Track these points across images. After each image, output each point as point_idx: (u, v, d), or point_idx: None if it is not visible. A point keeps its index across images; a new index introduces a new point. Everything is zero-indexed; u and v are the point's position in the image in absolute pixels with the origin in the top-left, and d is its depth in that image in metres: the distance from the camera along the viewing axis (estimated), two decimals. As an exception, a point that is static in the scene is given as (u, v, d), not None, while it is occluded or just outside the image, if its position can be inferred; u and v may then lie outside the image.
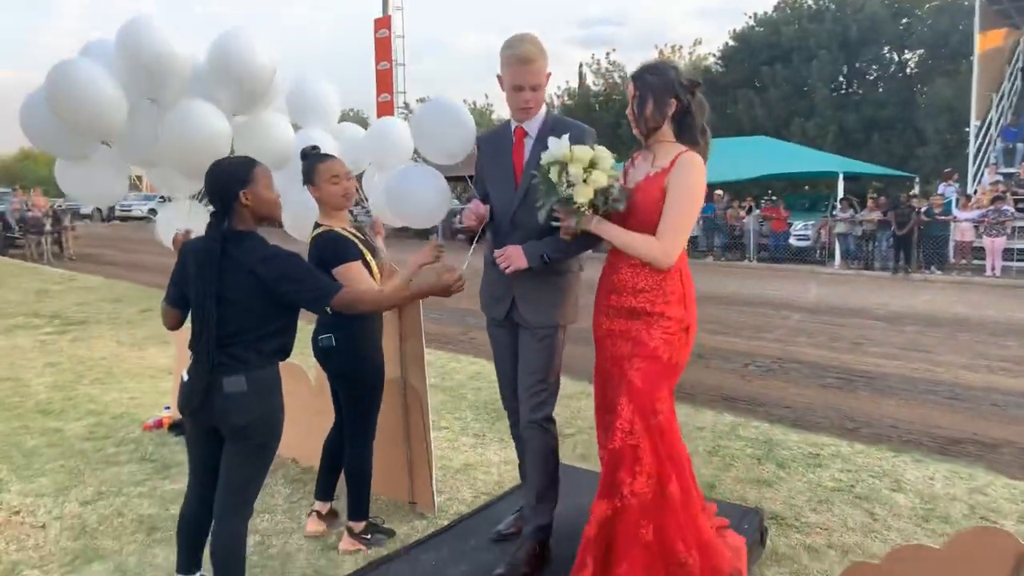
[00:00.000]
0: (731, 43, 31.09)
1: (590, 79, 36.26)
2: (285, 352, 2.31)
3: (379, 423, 3.09)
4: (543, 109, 2.59)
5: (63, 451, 4.05)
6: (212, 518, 2.29)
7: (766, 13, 29.83)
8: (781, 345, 7.51)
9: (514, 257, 2.47)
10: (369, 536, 2.98)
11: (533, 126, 2.58)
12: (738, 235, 17.57)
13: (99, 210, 33.50)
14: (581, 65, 37.21)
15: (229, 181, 2.23)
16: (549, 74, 2.53)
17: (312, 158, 2.81)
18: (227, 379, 2.17)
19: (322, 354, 2.87)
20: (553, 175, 2.26)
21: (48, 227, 18.10)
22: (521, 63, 2.46)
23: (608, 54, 35.89)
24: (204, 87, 3.16)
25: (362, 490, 2.96)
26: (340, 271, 2.61)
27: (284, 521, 3.20)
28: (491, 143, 2.68)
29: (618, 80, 35.36)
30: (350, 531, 2.97)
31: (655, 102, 2.32)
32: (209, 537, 2.29)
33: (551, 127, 2.51)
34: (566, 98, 35.90)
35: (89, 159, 3.29)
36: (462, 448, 4.17)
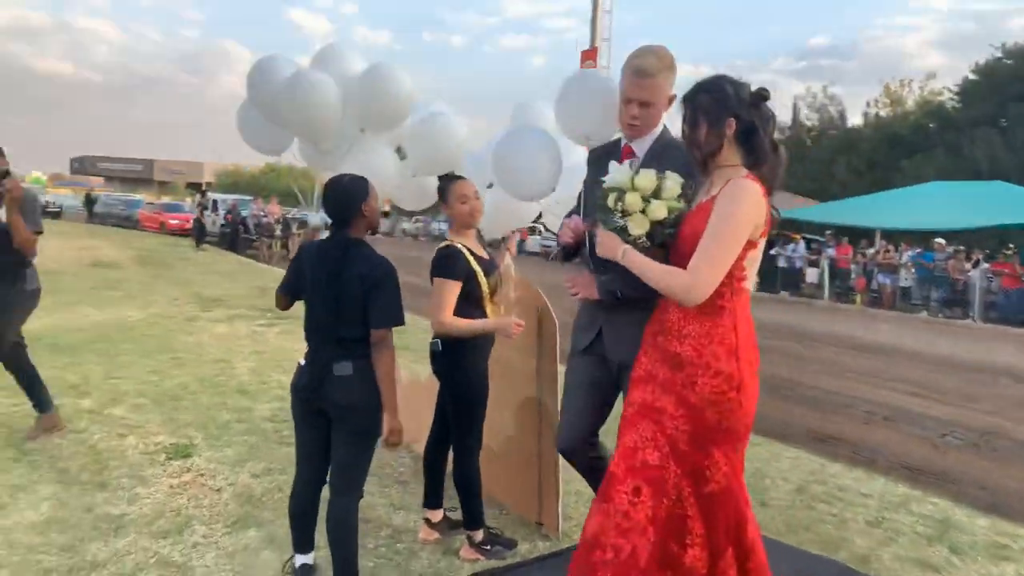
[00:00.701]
0: (972, 76, 28.05)
1: (803, 113, 34.43)
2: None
3: (514, 440, 3.17)
4: (658, 129, 2.44)
5: (249, 428, 4.56)
6: (317, 499, 2.61)
7: (1016, 44, 26.59)
8: (993, 418, 6.59)
9: (584, 286, 2.38)
10: (489, 547, 3.05)
11: (642, 146, 2.41)
12: (961, 290, 15.68)
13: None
14: (796, 99, 35.32)
15: (348, 195, 2.53)
16: (672, 97, 2.37)
17: (446, 179, 3.02)
18: (336, 364, 2.47)
19: (431, 357, 3.04)
20: (610, 202, 2.15)
21: (278, 232, 20.51)
22: (635, 75, 2.34)
23: (826, 87, 33.62)
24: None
25: (471, 500, 3.04)
26: (435, 283, 2.85)
27: (419, 520, 3.35)
28: (598, 159, 2.52)
29: (835, 115, 33.22)
30: (470, 540, 3.06)
31: (709, 123, 2.07)
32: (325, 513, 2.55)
33: (659, 151, 2.34)
34: (775, 133, 34.29)
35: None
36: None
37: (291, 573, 2.76)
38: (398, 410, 2.54)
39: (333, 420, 2.54)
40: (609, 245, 2.17)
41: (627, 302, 2.33)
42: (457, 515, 3.18)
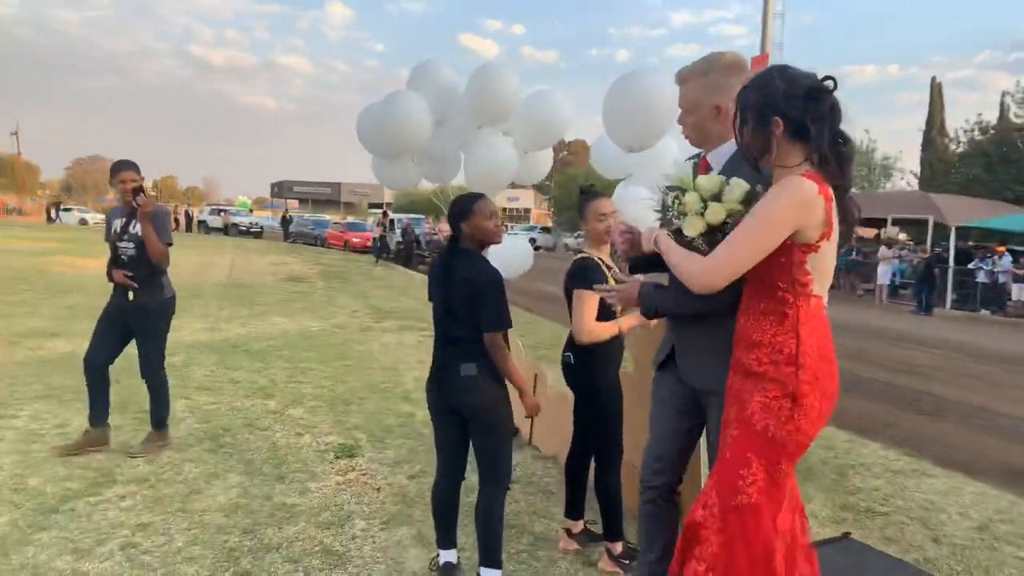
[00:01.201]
0: None
1: (1012, 111, 30.72)
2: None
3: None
4: (733, 142, 2.22)
5: (409, 432, 4.87)
6: (457, 495, 2.86)
7: None
8: None
9: (625, 293, 2.28)
10: (628, 561, 3.05)
11: (718, 158, 2.26)
12: None
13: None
14: (1004, 95, 31.64)
15: (457, 213, 2.78)
16: (718, 107, 2.20)
17: (585, 196, 3.10)
18: (463, 365, 2.67)
19: (563, 369, 3.14)
20: (669, 201, 2.10)
21: (447, 248, 21.54)
22: (678, 82, 2.30)
23: (1039, 81, 29.75)
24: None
25: (611, 511, 3.07)
26: (577, 293, 2.96)
27: (560, 529, 3.42)
28: (681, 167, 2.37)
29: (1051, 112, 29.35)
30: (609, 553, 3.08)
31: (754, 123, 1.92)
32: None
33: (736, 165, 2.15)
34: (976, 133, 30.90)
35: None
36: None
37: (435, 570, 2.93)
38: (531, 394, 2.83)
39: (467, 419, 2.75)
40: (648, 235, 2.14)
41: (695, 318, 2.19)
42: (598, 527, 3.21)
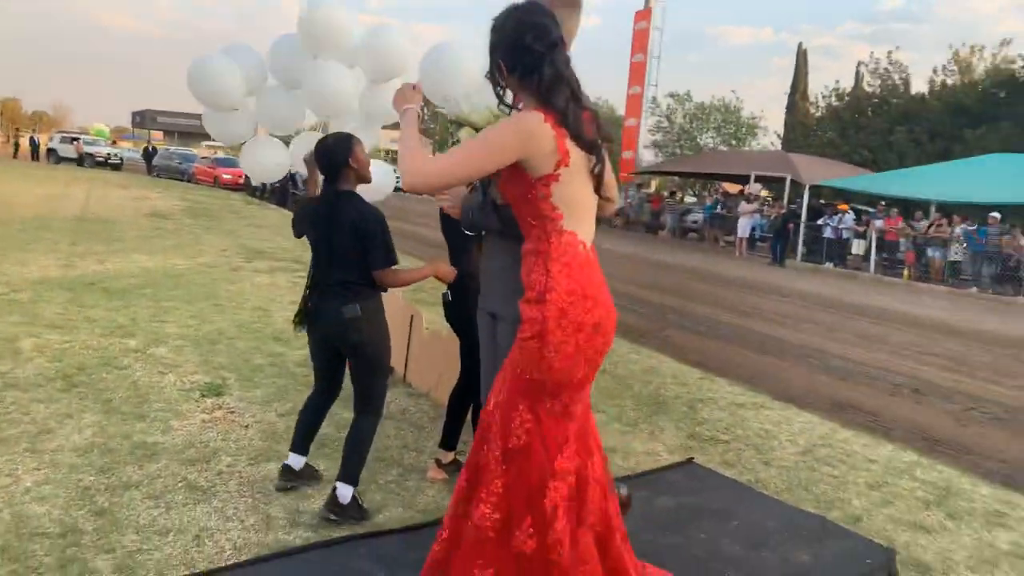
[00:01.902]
0: (1048, 44, 26.51)
1: (866, 80, 33.16)
2: (383, 288, 2.90)
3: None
4: None
5: (279, 372, 4.81)
6: (323, 412, 3.13)
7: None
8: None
9: (455, 200, 2.54)
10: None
11: None
12: (1013, 266, 15.18)
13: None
14: (859, 64, 34.01)
15: (339, 153, 2.82)
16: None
17: None
18: (345, 307, 2.78)
19: (444, 308, 3.33)
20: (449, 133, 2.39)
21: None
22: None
23: (890, 53, 32.23)
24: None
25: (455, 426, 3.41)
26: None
27: (429, 461, 3.54)
28: (471, 103, 2.50)
29: (898, 82, 31.91)
30: (438, 461, 3.41)
31: (489, 66, 2.01)
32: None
33: None
34: (833, 99, 33.17)
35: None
36: (611, 433, 4.25)
37: (281, 471, 3.16)
38: (439, 266, 3.01)
39: (347, 354, 2.91)
40: (399, 96, 2.18)
41: (496, 251, 2.36)
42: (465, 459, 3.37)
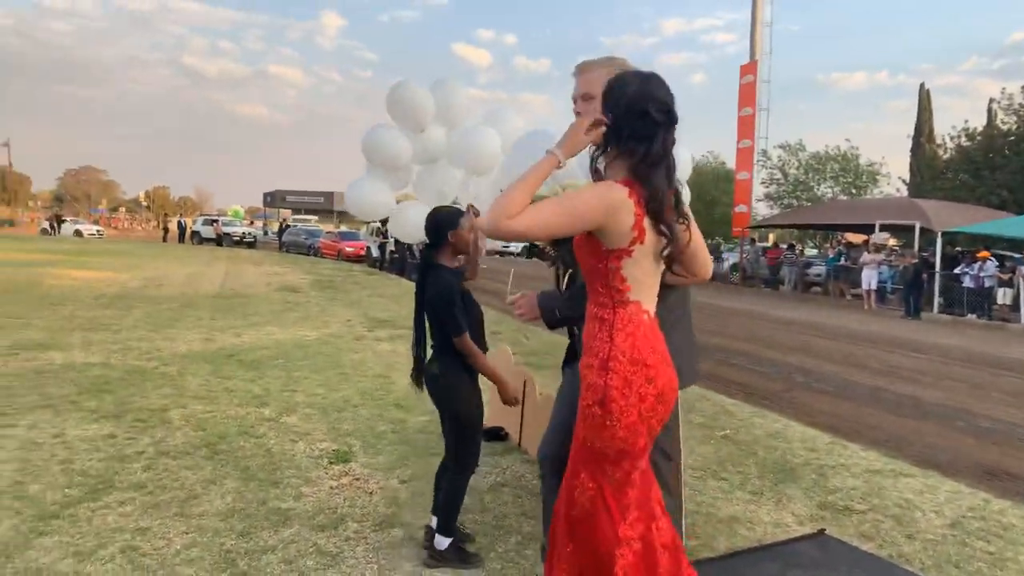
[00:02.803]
0: None
1: (999, 118, 31.07)
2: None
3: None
4: None
5: (401, 438, 4.97)
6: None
7: None
8: None
9: (527, 308, 2.46)
10: None
11: None
12: None
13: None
14: (991, 101, 32.00)
15: (443, 226, 3.05)
16: None
17: None
18: (430, 365, 3.06)
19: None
20: None
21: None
22: (579, 72, 2.50)
23: (1025, 88, 30.07)
24: None
25: None
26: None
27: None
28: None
29: (1035, 118, 29.67)
30: None
31: (602, 112, 2.01)
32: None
33: None
34: (962, 139, 31.22)
35: None
36: (734, 501, 4.08)
37: (425, 533, 3.33)
38: (508, 385, 3.16)
39: (440, 414, 3.16)
40: (570, 138, 2.07)
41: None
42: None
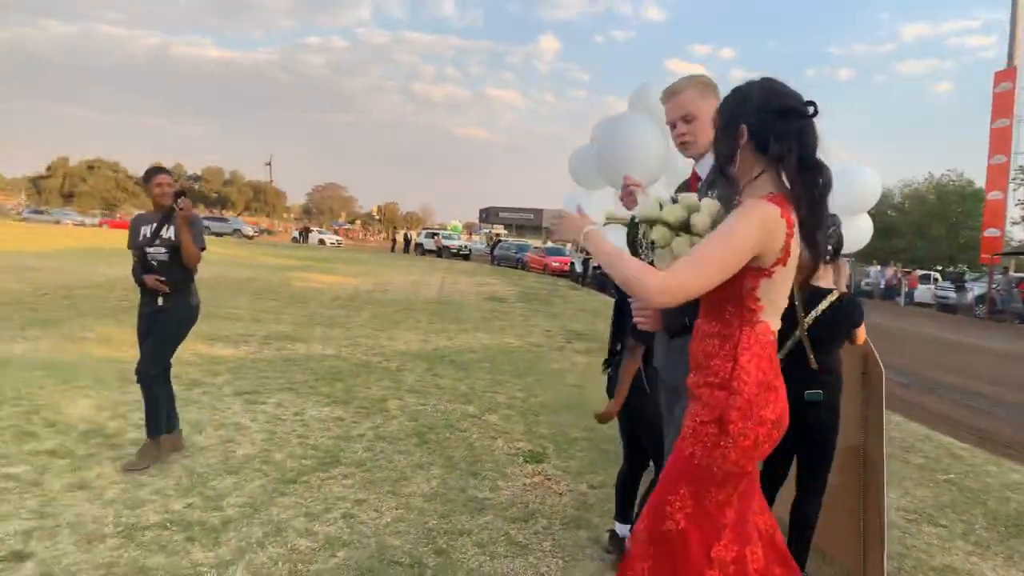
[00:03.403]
0: None
1: None
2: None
3: (836, 488, 3.14)
4: None
5: (592, 446, 5.10)
6: (638, 478, 3.34)
7: None
8: None
9: (652, 313, 2.27)
10: None
11: (704, 167, 2.30)
12: None
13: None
14: None
15: None
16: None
17: None
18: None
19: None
20: (640, 235, 2.06)
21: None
22: (667, 97, 2.39)
23: None
24: None
25: (808, 543, 3.10)
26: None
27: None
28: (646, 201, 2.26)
29: None
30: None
31: (724, 127, 1.87)
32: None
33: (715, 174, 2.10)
34: None
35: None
36: (952, 551, 3.70)
37: (609, 537, 3.37)
38: (617, 404, 3.19)
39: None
40: (570, 225, 2.01)
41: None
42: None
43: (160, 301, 4.15)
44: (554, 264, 31.17)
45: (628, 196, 2.53)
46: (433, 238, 46.18)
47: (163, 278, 4.11)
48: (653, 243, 1.96)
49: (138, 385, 4.18)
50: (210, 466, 4.14)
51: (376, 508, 3.73)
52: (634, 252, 2.09)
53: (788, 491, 3.13)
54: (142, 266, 4.16)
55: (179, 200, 4.08)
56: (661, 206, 1.96)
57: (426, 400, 6.12)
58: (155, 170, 4.23)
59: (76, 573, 2.85)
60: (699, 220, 1.91)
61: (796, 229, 1.79)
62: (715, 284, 1.77)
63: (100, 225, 52.77)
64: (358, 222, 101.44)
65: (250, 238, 50.86)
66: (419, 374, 7.25)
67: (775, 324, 1.89)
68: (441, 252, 43.36)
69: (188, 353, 7.50)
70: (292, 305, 12.64)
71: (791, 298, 2.91)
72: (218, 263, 20.78)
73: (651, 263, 1.96)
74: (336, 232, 67.24)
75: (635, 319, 2.30)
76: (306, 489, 3.92)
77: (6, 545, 3.02)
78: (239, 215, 79.43)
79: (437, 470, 4.38)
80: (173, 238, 4.13)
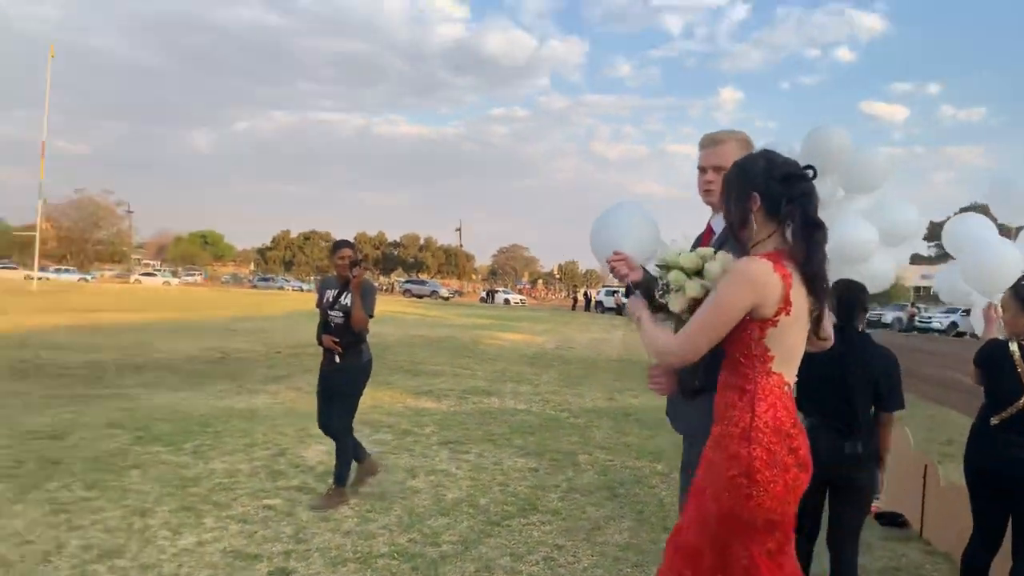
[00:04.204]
0: None
1: None
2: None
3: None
4: None
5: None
6: (810, 558, 3.17)
7: None
8: None
9: (666, 378, 2.36)
10: None
11: (718, 223, 2.40)
12: None
13: (899, 320, 35.04)
14: None
15: (859, 299, 3.14)
16: None
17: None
18: (847, 443, 3.01)
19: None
20: (659, 277, 2.17)
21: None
22: (709, 144, 2.48)
23: None
24: None
25: None
26: None
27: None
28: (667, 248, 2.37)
29: None
30: None
31: (736, 201, 2.04)
32: None
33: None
34: None
35: None
36: None
37: None
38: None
39: (840, 493, 3.07)
40: (633, 307, 2.20)
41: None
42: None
43: (336, 359, 4.68)
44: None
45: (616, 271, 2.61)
46: (613, 296, 46.42)
47: (337, 339, 4.62)
48: (668, 284, 2.13)
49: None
50: (425, 507, 4.65)
51: (573, 553, 4.01)
52: (652, 291, 2.25)
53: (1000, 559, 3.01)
54: (323, 327, 4.72)
55: (354, 270, 4.57)
56: (680, 254, 2.16)
57: (614, 456, 6.34)
58: (340, 243, 4.79)
59: (328, 589, 3.39)
60: (712, 267, 2.07)
61: (795, 280, 1.94)
62: (708, 344, 1.96)
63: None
64: (540, 281, 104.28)
65: (446, 299, 54.49)
66: (606, 431, 7.48)
67: (790, 375, 2.01)
68: (621, 310, 43.43)
69: (399, 405, 8.34)
70: (485, 362, 13.45)
71: (1015, 363, 2.90)
72: (419, 324, 22.55)
73: (665, 304, 2.15)
74: (519, 291, 69.70)
75: (651, 386, 2.47)
76: (509, 532, 4.29)
77: (273, 563, 3.65)
78: (432, 277, 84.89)
79: (628, 523, 4.57)
80: (349, 304, 4.61)
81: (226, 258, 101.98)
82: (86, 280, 59.48)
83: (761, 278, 1.91)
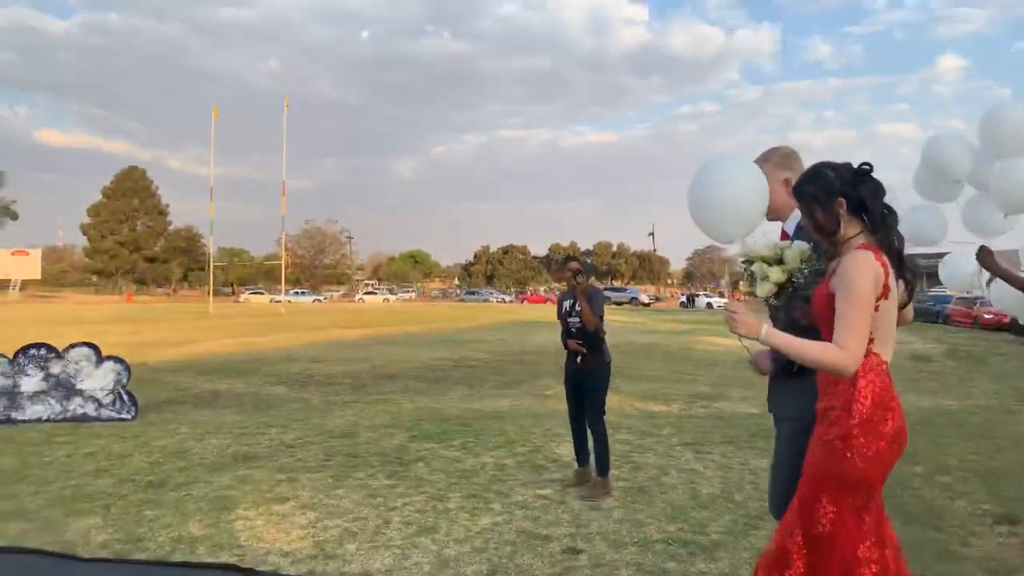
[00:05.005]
0: None
1: None
2: None
3: None
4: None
5: None
6: None
7: None
8: None
9: (762, 359, 2.75)
10: None
11: (791, 224, 2.75)
12: None
13: None
14: None
15: None
16: (787, 179, 2.70)
17: None
18: None
19: None
20: (743, 272, 2.47)
21: None
22: (759, 163, 2.74)
23: None
24: None
25: None
26: None
27: None
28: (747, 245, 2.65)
29: None
30: None
31: (823, 209, 2.28)
32: None
33: (801, 228, 2.58)
34: None
35: None
36: None
37: None
38: None
39: None
40: (749, 325, 2.25)
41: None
42: None
43: (579, 360, 5.27)
44: (987, 316, 26.91)
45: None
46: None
47: (580, 341, 5.22)
48: (753, 274, 2.43)
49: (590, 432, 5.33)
50: (684, 501, 4.92)
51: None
52: (739, 281, 2.62)
53: None
54: (566, 333, 5.37)
55: (578, 279, 5.17)
56: (756, 249, 2.47)
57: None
58: (566, 259, 5.55)
59: (619, 567, 3.79)
60: (789, 254, 2.38)
61: (889, 267, 2.19)
62: (870, 327, 2.15)
63: (521, 301, 61.41)
64: (740, 283, 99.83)
65: (646, 305, 54.27)
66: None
67: (887, 354, 2.25)
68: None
69: (629, 408, 8.70)
70: (702, 367, 13.43)
71: None
72: (623, 331, 22.82)
73: (752, 289, 2.46)
74: (722, 295, 67.41)
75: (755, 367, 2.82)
76: (773, 526, 4.43)
77: (562, 543, 4.13)
78: (627, 284, 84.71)
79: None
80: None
81: (433, 274, 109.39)
82: (319, 301, 66.83)
83: (874, 267, 2.16)
